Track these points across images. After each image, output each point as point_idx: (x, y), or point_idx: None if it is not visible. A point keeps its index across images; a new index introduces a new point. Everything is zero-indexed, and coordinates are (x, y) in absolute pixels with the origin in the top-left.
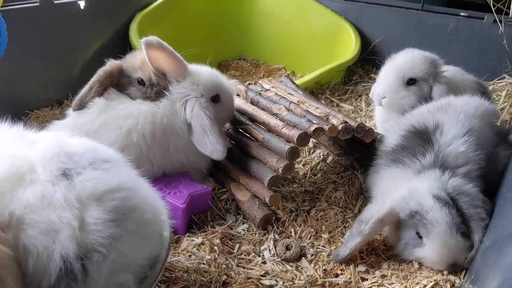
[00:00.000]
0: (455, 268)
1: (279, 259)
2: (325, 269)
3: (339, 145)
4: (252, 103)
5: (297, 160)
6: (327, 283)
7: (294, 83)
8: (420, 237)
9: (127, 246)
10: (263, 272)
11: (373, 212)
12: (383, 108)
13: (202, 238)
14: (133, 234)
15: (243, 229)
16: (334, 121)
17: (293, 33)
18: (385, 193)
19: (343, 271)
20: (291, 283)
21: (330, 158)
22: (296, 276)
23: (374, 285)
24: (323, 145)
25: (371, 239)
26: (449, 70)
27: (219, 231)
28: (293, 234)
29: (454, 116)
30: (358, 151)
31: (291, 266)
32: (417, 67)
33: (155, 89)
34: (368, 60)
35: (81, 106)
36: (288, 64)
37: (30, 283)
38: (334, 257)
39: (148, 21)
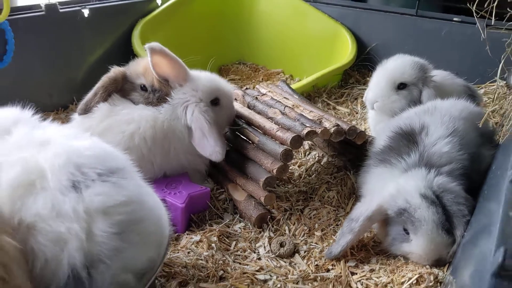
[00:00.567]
0: (439, 263)
1: (273, 256)
2: (317, 265)
3: (333, 147)
4: (249, 107)
5: (293, 161)
6: (319, 278)
7: (290, 87)
8: (407, 233)
9: (129, 255)
10: (258, 267)
11: (362, 210)
12: (375, 112)
13: (201, 236)
14: (136, 244)
15: (239, 228)
16: (327, 124)
17: (291, 38)
18: (373, 192)
19: (334, 266)
20: (284, 277)
21: (324, 160)
22: (290, 271)
23: (363, 279)
24: (318, 147)
25: (362, 236)
26: (438, 75)
27: (217, 229)
28: (287, 232)
29: (439, 118)
30: (350, 152)
31: (285, 262)
32: (407, 73)
33: (157, 94)
34: (364, 64)
35: (86, 111)
36: (286, 68)
37: (38, 285)
38: (327, 255)
39: (150, 28)
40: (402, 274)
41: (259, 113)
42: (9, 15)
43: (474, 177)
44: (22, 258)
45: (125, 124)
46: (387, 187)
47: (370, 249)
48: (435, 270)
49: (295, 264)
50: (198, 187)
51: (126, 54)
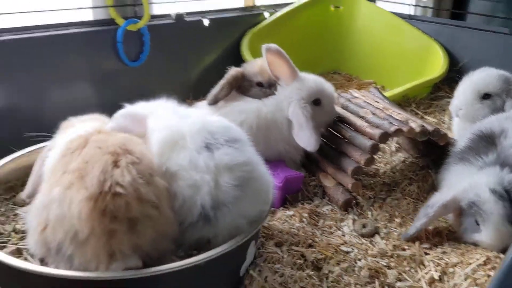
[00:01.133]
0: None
1: (356, 234)
2: (394, 245)
3: (418, 149)
4: (342, 107)
5: (380, 161)
6: (395, 255)
7: (381, 93)
8: (478, 224)
9: (246, 204)
10: (342, 241)
11: (438, 199)
12: (460, 119)
13: (294, 211)
14: (251, 197)
15: (327, 209)
16: (413, 125)
17: (385, 51)
18: (450, 186)
19: (410, 247)
20: (364, 252)
21: (409, 160)
22: (370, 248)
23: (435, 258)
24: (404, 149)
25: (438, 225)
26: None
27: (308, 208)
28: (370, 216)
29: None
30: (434, 153)
31: (366, 240)
32: (491, 84)
33: (272, 89)
34: (455, 79)
35: (215, 102)
36: (378, 79)
37: (177, 218)
38: (403, 236)
39: (257, 38)
40: (471, 257)
41: (351, 112)
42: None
43: None
44: (169, 195)
45: (237, 114)
46: (463, 182)
47: (444, 236)
48: (502, 255)
49: (375, 243)
50: (294, 172)
51: (235, 60)
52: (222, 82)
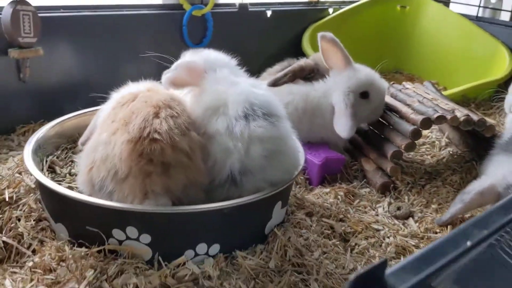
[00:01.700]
0: None
1: (389, 215)
2: (426, 228)
3: (467, 143)
4: (391, 96)
5: (427, 153)
6: (426, 237)
7: (435, 87)
8: None
9: (270, 173)
10: (374, 220)
11: (475, 186)
12: None
13: (330, 189)
14: (276, 167)
15: (365, 191)
16: (458, 114)
17: (449, 52)
18: (490, 174)
19: (442, 230)
20: (395, 232)
21: (457, 154)
22: (401, 229)
23: None
24: (453, 144)
25: (475, 214)
26: None
27: (345, 188)
28: (406, 200)
29: None
30: (481, 147)
31: (399, 222)
32: None
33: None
34: None
35: (274, 85)
36: (441, 80)
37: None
38: (437, 221)
39: (319, 32)
40: None
41: (399, 101)
42: (212, 9)
43: None
44: (202, 151)
45: (285, 94)
46: (502, 170)
47: None
48: None
49: (408, 225)
50: (335, 153)
51: (295, 52)
52: (288, 69)
